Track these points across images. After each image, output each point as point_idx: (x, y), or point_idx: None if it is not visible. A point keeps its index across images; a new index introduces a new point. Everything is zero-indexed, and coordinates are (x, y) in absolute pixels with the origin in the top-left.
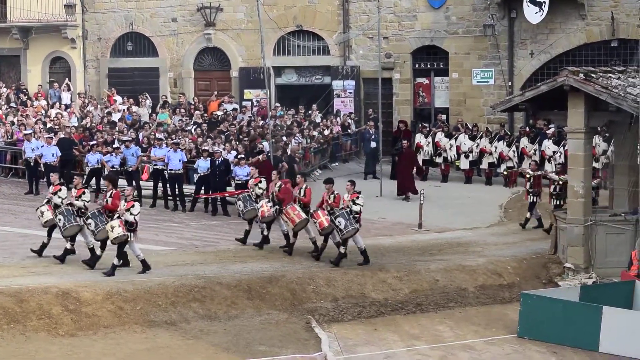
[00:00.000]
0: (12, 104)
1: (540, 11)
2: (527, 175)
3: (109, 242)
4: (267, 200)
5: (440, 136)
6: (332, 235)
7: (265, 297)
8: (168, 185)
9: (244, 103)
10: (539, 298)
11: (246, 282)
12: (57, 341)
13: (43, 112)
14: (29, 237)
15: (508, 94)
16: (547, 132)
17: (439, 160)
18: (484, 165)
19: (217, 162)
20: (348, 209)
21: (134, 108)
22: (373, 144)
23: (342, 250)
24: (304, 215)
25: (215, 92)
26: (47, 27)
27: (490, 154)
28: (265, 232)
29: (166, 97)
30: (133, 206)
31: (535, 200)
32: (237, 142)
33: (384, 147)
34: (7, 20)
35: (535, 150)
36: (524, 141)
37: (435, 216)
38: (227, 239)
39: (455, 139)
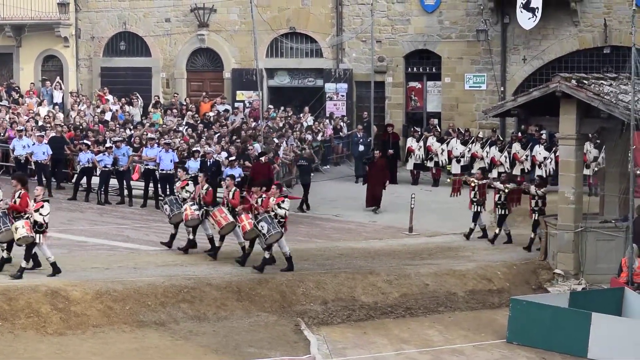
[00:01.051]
0: (4, 102)
1: (533, 17)
2: (472, 184)
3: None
4: (192, 203)
5: (432, 140)
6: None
7: (255, 299)
8: (159, 186)
9: (236, 104)
10: (528, 304)
11: (236, 283)
12: (46, 340)
13: (34, 110)
14: None
15: (500, 99)
16: (540, 137)
17: (430, 164)
18: (475, 170)
19: (208, 162)
20: (273, 213)
21: (127, 107)
22: (361, 147)
23: (266, 255)
24: (230, 219)
25: (204, 94)
26: (40, 25)
27: (482, 159)
28: (191, 236)
29: (158, 97)
30: (42, 206)
31: (479, 210)
32: (229, 144)
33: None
34: (0, 18)
35: (526, 156)
36: (516, 147)
37: (426, 220)
38: (217, 239)
39: (447, 143)
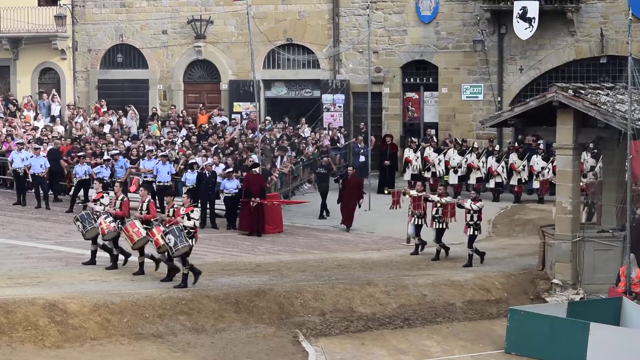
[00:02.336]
0: (1, 115)
1: (529, 27)
2: (408, 196)
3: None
4: (106, 216)
5: (429, 151)
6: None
7: (253, 310)
8: (157, 197)
9: (233, 116)
10: (526, 314)
11: (234, 295)
12: (44, 353)
13: (31, 123)
14: (17, 248)
15: (497, 110)
16: (537, 147)
17: (427, 175)
18: (472, 180)
19: (207, 174)
20: (182, 225)
21: (123, 120)
22: (362, 158)
23: (184, 271)
24: (143, 233)
25: (201, 105)
26: (37, 37)
27: (478, 169)
28: (115, 252)
29: (156, 109)
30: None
31: (421, 223)
32: (225, 155)
33: (373, 161)
34: None
35: (524, 166)
36: (513, 157)
37: (424, 231)
38: (215, 251)
39: (444, 154)
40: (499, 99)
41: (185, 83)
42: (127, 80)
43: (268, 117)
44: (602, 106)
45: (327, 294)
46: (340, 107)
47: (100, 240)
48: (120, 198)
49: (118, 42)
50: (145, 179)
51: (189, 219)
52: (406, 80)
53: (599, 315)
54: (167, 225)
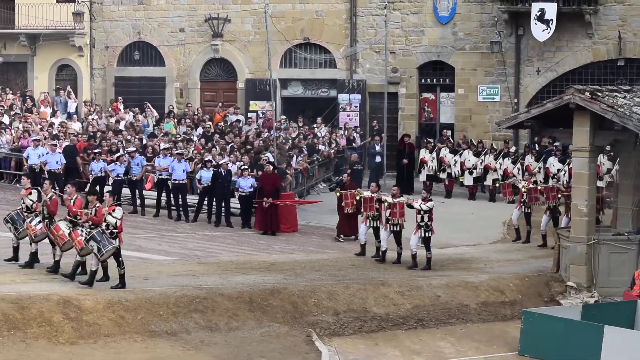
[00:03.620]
0: (18, 111)
1: (547, 29)
2: (358, 197)
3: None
4: (31, 218)
5: (444, 152)
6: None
7: (267, 309)
8: (172, 195)
9: (249, 114)
10: (540, 316)
11: (248, 293)
12: (58, 349)
13: (47, 119)
14: None
15: (514, 111)
16: (553, 149)
17: (443, 176)
18: (488, 181)
19: (222, 173)
20: (105, 226)
21: (140, 117)
22: (378, 159)
23: (120, 271)
24: (67, 236)
25: (220, 104)
26: (54, 34)
27: (495, 170)
28: (57, 258)
29: (173, 107)
30: (114, 210)
31: (376, 225)
32: (242, 154)
33: (389, 162)
34: (15, 27)
35: (539, 168)
36: (529, 158)
37: (438, 232)
38: (229, 250)
39: (460, 155)
40: (515, 100)
41: (202, 81)
42: (143, 78)
43: (284, 116)
44: (619, 109)
45: (341, 294)
46: (356, 107)
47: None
48: (49, 196)
49: (135, 40)
50: (160, 177)
51: (111, 217)
52: (423, 80)
53: (614, 318)
54: (70, 217)
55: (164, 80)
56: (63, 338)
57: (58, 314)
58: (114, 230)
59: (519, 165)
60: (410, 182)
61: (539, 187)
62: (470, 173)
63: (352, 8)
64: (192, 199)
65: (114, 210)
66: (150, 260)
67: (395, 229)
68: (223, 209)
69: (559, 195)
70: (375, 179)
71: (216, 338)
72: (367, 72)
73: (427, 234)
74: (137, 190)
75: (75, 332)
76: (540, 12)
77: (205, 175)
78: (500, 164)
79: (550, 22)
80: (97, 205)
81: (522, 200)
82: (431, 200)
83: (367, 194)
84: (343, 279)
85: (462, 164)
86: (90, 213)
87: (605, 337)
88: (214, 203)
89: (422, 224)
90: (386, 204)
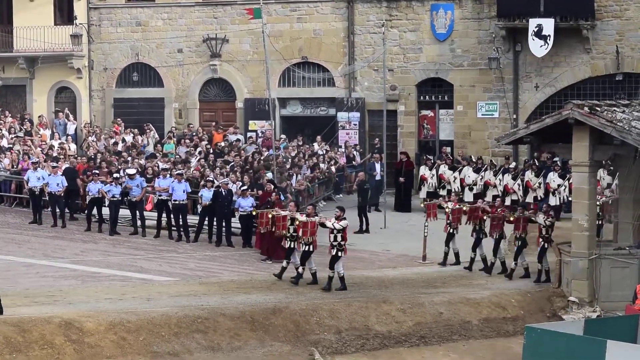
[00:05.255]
0: (19, 134)
1: (545, 45)
2: (270, 216)
3: None
4: None
5: (444, 169)
6: None
7: (269, 328)
8: (172, 216)
9: (248, 134)
10: (543, 331)
11: (249, 313)
12: None
13: (47, 141)
14: (33, 267)
15: (513, 127)
16: (553, 165)
17: (443, 192)
18: (488, 198)
19: (222, 192)
20: None
21: (139, 138)
22: (378, 177)
23: None
24: None
25: (214, 124)
26: (53, 57)
27: (495, 186)
28: None
29: (175, 128)
30: None
31: (293, 245)
32: (242, 174)
33: (388, 179)
34: (14, 50)
35: (540, 184)
36: (529, 174)
37: (440, 249)
38: (230, 269)
39: (460, 171)
40: (514, 116)
41: (201, 101)
42: (142, 99)
43: (283, 135)
44: (618, 123)
45: (343, 312)
46: (355, 125)
47: None
48: None
49: (134, 61)
50: (160, 198)
51: None
52: (421, 97)
53: (616, 333)
54: None
55: (163, 101)
56: None
57: (60, 336)
58: None
59: (519, 181)
60: (408, 200)
61: (464, 208)
62: (471, 189)
63: (350, 26)
64: (192, 219)
65: None
66: (151, 281)
67: (307, 248)
68: (224, 228)
69: (484, 217)
70: (375, 197)
71: (218, 358)
72: (365, 90)
73: (339, 254)
74: (137, 212)
75: (77, 354)
76: (537, 28)
77: (206, 194)
78: (500, 180)
79: (548, 37)
80: None
81: (448, 221)
82: (345, 219)
83: (285, 213)
84: (344, 297)
85: (462, 180)
86: None
87: (608, 351)
88: (215, 223)
89: (335, 243)
90: (297, 222)
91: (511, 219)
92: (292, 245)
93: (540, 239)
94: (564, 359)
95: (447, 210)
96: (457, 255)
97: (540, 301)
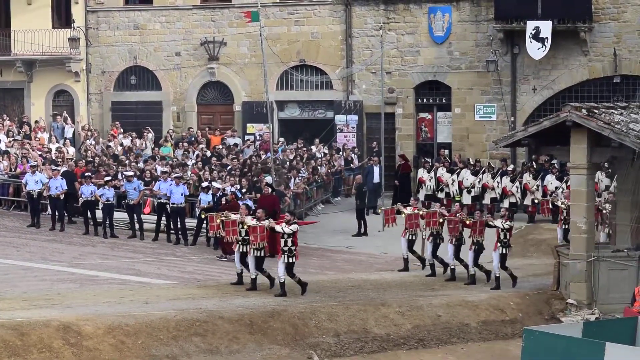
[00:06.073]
0: (17, 137)
1: (542, 47)
2: (218, 220)
3: None
4: None
5: (442, 171)
6: None
7: (267, 331)
8: (170, 219)
9: (246, 137)
10: (541, 334)
11: (248, 316)
12: None
13: (45, 145)
14: (31, 270)
15: (511, 130)
16: (551, 167)
17: (441, 195)
18: (486, 200)
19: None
20: None
21: (137, 141)
22: (376, 179)
23: None
24: None
25: (207, 128)
26: (51, 60)
27: (493, 189)
28: None
29: (173, 131)
30: None
31: (245, 250)
32: (240, 177)
33: (386, 182)
34: (12, 53)
35: (537, 186)
36: (527, 177)
37: (438, 251)
38: (229, 272)
39: (457, 174)
40: (512, 119)
41: (199, 104)
42: (140, 102)
43: (281, 138)
44: (615, 125)
45: (342, 315)
46: (353, 127)
47: None
48: None
49: (131, 64)
50: (159, 201)
51: None
52: (419, 100)
53: (615, 335)
54: None
55: (161, 105)
56: None
57: (58, 339)
58: None
59: (517, 183)
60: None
61: (421, 213)
62: (469, 192)
63: (348, 29)
64: (190, 223)
65: None
66: (149, 284)
67: (258, 254)
68: None
69: (441, 220)
70: (374, 200)
71: None
72: (363, 93)
73: (290, 260)
74: (135, 215)
75: (76, 357)
76: (535, 31)
77: (205, 198)
78: (499, 183)
79: (546, 40)
80: None
81: (405, 227)
82: (295, 223)
83: (234, 217)
84: (343, 300)
85: (460, 183)
86: None
87: (607, 354)
88: None
89: (286, 248)
90: (246, 226)
91: (467, 222)
92: (244, 250)
93: (499, 244)
94: None
95: (403, 215)
96: (422, 260)
97: (539, 304)
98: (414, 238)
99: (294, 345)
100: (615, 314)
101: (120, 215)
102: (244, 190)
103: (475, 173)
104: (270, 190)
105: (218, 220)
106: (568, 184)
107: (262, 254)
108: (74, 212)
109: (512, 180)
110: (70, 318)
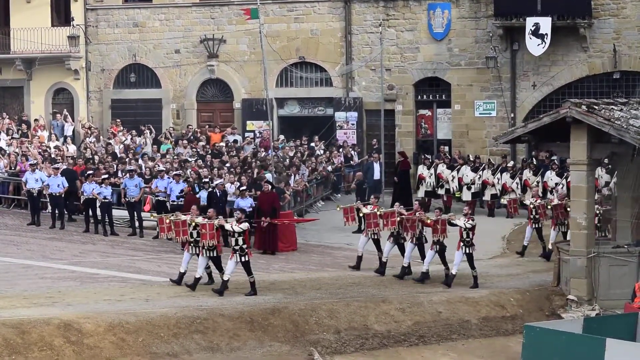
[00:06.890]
0: (15, 135)
1: (542, 43)
2: (167, 221)
3: None
4: None
5: (442, 168)
6: None
7: (268, 328)
8: None
9: (246, 134)
10: (542, 330)
11: (248, 313)
12: None
13: (45, 143)
14: (31, 268)
15: (510, 126)
16: (551, 163)
17: (441, 192)
18: (487, 196)
19: (217, 193)
20: None
21: (136, 139)
22: (377, 176)
23: None
24: None
25: (207, 126)
26: (50, 58)
27: (493, 185)
28: None
29: (173, 129)
30: None
31: (196, 251)
32: (240, 174)
33: (387, 179)
34: (11, 52)
35: (537, 182)
36: (527, 173)
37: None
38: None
39: (457, 170)
40: (512, 115)
41: (199, 102)
42: (140, 100)
43: (281, 136)
44: (615, 121)
45: (342, 312)
46: (353, 124)
47: None
48: None
49: (131, 62)
50: (157, 198)
51: None
52: (419, 97)
53: (615, 331)
54: None
55: (161, 102)
56: None
57: (59, 337)
58: None
59: (517, 180)
60: (407, 200)
61: (379, 212)
62: (469, 188)
63: (347, 26)
64: None
65: None
66: (150, 282)
67: (212, 254)
68: None
69: (399, 219)
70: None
71: (217, 358)
72: (363, 90)
73: (242, 259)
74: (135, 212)
75: (77, 355)
76: (534, 27)
77: (202, 195)
78: (499, 179)
79: (545, 36)
80: None
81: (362, 227)
82: (246, 221)
83: (184, 217)
84: (343, 296)
85: (460, 179)
86: None
87: (607, 350)
88: None
89: (237, 247)
90: (194, 224)
91: (428, 221)
92: (194, 252)
93: (461, 243)
94: (563, 358)
95: (361, 214)
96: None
97: (539, 300)
98: (377, 237)
99: (295, 342)
100: (615, 310)
101: (120, 213)
102: (243, 188)
103: (475, 169)
104: (269, 187)
105: (167, 221)
106: (568, 180)
107: (216, 254)
108: (74, 210)
109: (512, 177)
110: (70, 316)
